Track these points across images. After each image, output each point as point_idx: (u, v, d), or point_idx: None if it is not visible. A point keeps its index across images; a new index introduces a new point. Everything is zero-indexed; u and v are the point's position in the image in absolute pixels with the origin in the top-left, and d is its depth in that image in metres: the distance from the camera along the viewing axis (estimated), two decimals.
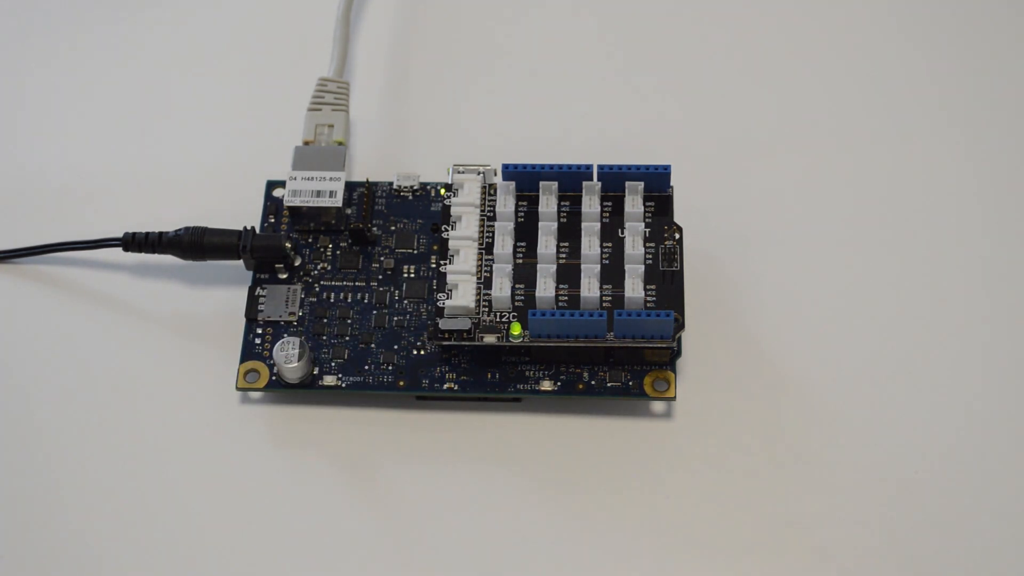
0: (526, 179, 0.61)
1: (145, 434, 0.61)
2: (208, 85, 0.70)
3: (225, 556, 0.58)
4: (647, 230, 0.61)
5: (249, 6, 0.72)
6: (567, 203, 0.61)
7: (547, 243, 0.60)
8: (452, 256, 0.60)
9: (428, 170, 0.66)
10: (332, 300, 0.62)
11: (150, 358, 0.63)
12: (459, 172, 0.62)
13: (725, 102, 0.69)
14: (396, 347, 0.61)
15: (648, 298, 0.59)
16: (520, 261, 0.60)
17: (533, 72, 0.70)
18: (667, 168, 0.61)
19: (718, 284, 0.63)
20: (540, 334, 0.58)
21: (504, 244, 0.60)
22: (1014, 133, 0.67)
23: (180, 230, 0.63)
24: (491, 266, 0.60)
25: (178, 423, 0.61)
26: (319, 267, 0.63)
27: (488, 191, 0.62)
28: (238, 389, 0.61)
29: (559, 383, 0.60)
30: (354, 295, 0.62)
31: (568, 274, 0.60)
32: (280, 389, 0.61)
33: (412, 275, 0.63)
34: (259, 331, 0.62)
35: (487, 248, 0.61)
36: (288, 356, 0.60)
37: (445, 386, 0.60)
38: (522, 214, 0.61)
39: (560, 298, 0.59)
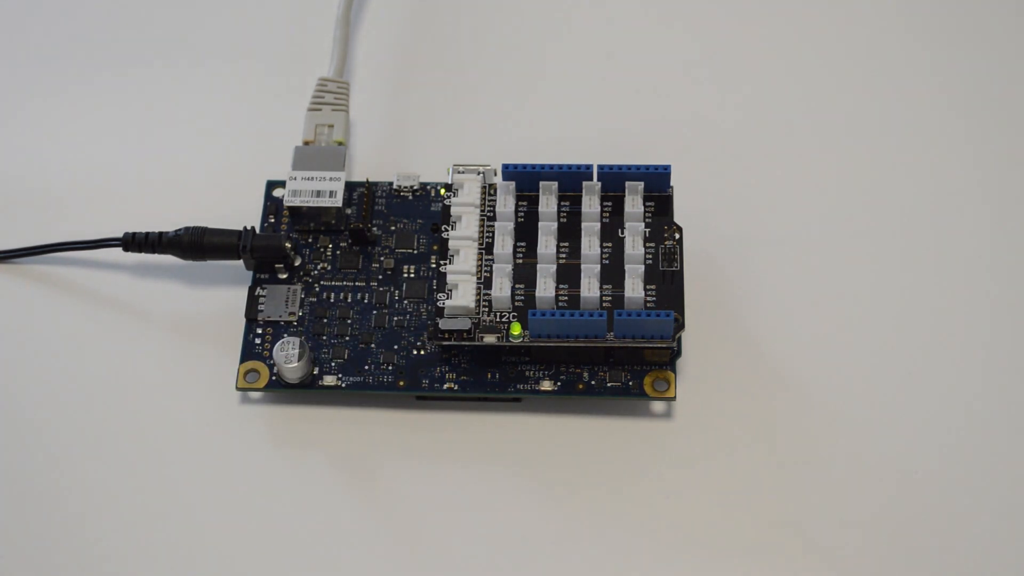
0: (526, 179, 0.61)
1: (145, 434, 0.61)
2: (208, 85, 0.70)
3: (225, 556, 0.58)
4: (647, 230, 0.61)
5: (249, 6, 0.72)
6: (567, 203, 0.61)
7: (547, 243, 0.60)
8: (452, 256, 0.60)
9: (428, 170, 0.66)
10: (332, 300, 0.62)
11: (150, 358, 0.63)
12: (459, 172, 0.62)
13: (725, 102, 0.69)
14: (396, 347, 0.61)
15: (648, 298, 0.59)
16: (520, 261, 0.60)
17: (533, 72, 0.70)
18: (667, 168, 0.61)
19: (718, 284, 0.63)
20: (540, 334, 0.58)
21: (504, 244, 0.60)
22: (1017, 135, 0.67)
23: (180, 230, 0.63)
24: (491, 266, 0.60)
25: (178, 423, 0.61)
26: (319, 267, 0.63)
27: (488, 191, 0.62)
28: (238, 389, 0.61)
29: (559, 383, 0.60)
30: (354, 295, 0.62)
31: (568, 274, 0.60)
32: (280, 389, 0.61)
33: (412, 275, 0.63)
34: (259, 331, 0.62)
35: (487, 248, 0.61)
36: (288, 356, 0.60)
37: (445, 386, 0.60)
38: (522, 214, 0.61)
39: (560, 298, 0.59)
